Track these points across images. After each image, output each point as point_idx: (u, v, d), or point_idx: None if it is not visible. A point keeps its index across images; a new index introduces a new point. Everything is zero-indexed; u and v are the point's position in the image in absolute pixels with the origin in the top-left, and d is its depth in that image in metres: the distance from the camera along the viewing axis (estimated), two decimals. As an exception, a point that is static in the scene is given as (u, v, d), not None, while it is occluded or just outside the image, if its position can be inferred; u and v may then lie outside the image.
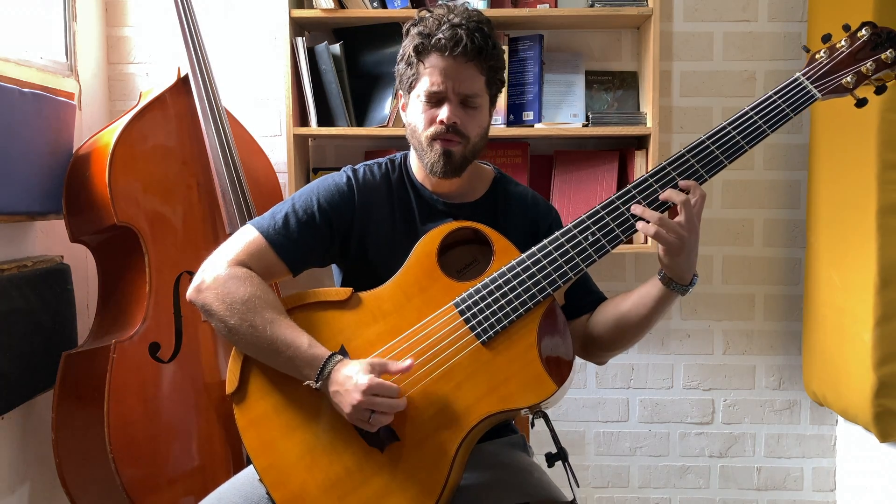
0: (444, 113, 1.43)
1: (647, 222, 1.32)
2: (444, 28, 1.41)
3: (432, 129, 1.44)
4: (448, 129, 1.43)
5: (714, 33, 2.48)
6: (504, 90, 2.32)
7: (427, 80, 1.43)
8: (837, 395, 2.24)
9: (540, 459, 1.60)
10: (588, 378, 2.56)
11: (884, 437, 2.08)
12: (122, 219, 1.93)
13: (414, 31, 1.45)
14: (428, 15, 1.45)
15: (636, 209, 1.34)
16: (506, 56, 2.32)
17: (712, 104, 2.49)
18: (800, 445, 2.55)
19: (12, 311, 1.89)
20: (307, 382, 1.34)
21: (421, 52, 1.43)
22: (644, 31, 2.37)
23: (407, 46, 1.46)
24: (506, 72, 1.53)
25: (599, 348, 1.52)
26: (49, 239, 2.16)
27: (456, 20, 1.42)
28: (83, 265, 2.33)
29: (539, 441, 1.77)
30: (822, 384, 2.32)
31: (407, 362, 1.33)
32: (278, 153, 2.44)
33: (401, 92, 1.52)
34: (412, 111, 1.48)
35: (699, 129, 2.49)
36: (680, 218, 1.32)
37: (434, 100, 1.44)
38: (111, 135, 1.97)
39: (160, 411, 1.95)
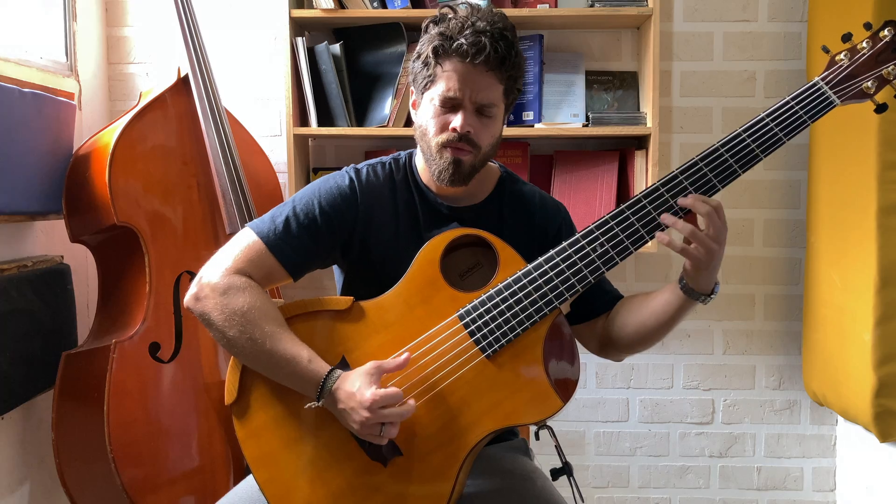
0: (458, 121, 1.37)
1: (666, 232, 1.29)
2: (467, 32, 1.35)
3: (444, 136, 1.39)
4: (460, 138, 1.38)
5: (714, 33, 2.48)
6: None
7: (444, 85, 1.37)
8: (837, 395, 2.24)
9: (541, 461, 1.61)
10: (588, 378, 2.56)
11: (884, 437, 2.08)
12: (122, 219, 1.93)
13: (434, 30, 1.38)
14: (450, 14, 1.39)
15: (667, 219, 1.29)
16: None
17: (712, 104, 2.49)
18: (800, 445, 2.55)
19: (12, 311, 1.89)
20: (309, 405, 1.30)
21: (440, 54, 1.37)
22: (644, 31, 2.37)
23: (425, 45, 1.39)
24: (523, 78, 1.48)
25: (618, 350, 1.49)
26: (49, 239, 2.16)
27: (480, 25, 1.35)
28: (83, 265, 2.33)
29: (541, 442, 1.76)
30: (822, 384, 2.32)
31: (403, 356, 1.31)
32: (278, 153, 2.44)
33: (412, 89, 1.46)
34: (424, 113, 1.42)
35: (699, 129, 2.49)
36: (708, 231, 1.27)
37: (449, 105, 1.38)
38: (111, 135, 1.97)
39: (160, 411, 1.95)
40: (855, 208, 2.10)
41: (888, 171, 2.01)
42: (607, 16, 2.31)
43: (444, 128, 1.39)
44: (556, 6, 2.37)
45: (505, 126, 2.29)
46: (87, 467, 1.92)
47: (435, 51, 1.37)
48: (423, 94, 1.43)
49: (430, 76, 1.39)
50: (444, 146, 1.39)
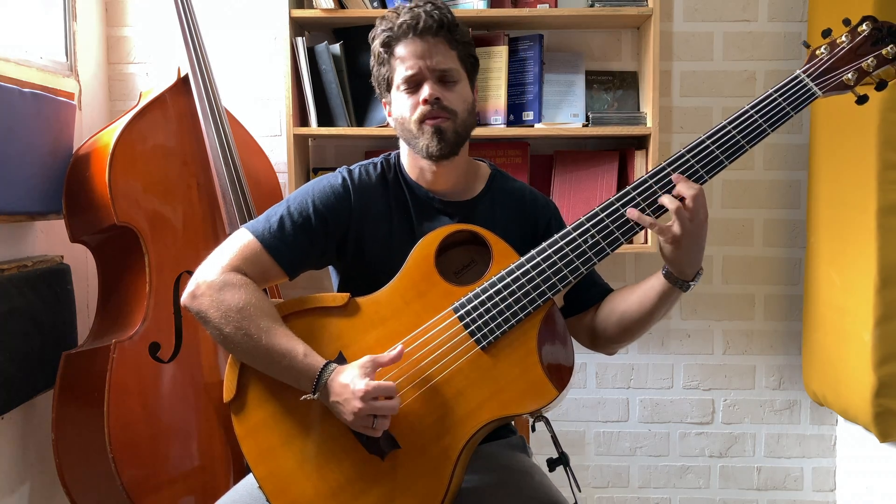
0: (425, 91, 1.43)
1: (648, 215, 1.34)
2: (403, 15, 1.44)
3: (419, 112, 1.43)
4: (433, 106, 1.43)
5: (714, 33, 2.48)
6: (504, 90, 2.33)
7: (402, 68, 1.44)
8: (837, 395, 2.24)
9: (539, 460, 1.61)
10: (588, 378, 2.56)
11: (884, 437, 2.08)
12: (123, 219, 1.93)
13: (378, 29, 1.48)
14: (387, 12, 1.48)
15: (631, 213, 1.34)
16: (505, 56, 2.33)
17: (712, 104, 2.49)
18: (800, 445, 2.55)
19: (12, 311, 1.89)
20: (304, 396, 1.32)
21: (389, 44, 1.45)
22: (644, 31, 2.37)
23: (376, 47, 1.48)
24: (474, 47, 1.54)
25: (607, 341, 1.52)
26: (49, 239, 2.16)
27: (412, 4, 1.45)
28: (83, 265, 2.33)
29: (539, 440, 1.77)
30: (822, 384, 2.32)
31: (397, 349, 1.32)
32: (278, 153, 2.45)
33: (383, 100, 1.53)
34: (396, 105, 1.48)
35: (699, 129, 2.49)
36: (675, 221, 1.31)
37: (413, 83, 1.44)
38: (111, 135, 1.97)
39: (160, 411, 1.95)
40: (855, 208, 2.10)
41: (888, 171, 2.01)
42: (607, 16, 2.31)
43: (416, 105, 1.44)
44: (556, 6, 2.37)
45: (504, 126, 2.34)
46: (87, 467, 1.92)
47: (384, 44, 1.46)
48: (389, 92, 1.50)
49: (388, 70, 1.47)
50: (422, 121, 1.44)
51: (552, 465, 1.48)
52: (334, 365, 1.33)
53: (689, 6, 2.47)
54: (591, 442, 2.57)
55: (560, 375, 1.35)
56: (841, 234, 2.19)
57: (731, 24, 2.47)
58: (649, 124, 2.32)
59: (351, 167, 1.53)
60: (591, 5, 2.34)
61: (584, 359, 2.55)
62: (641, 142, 2.38)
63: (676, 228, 1.31)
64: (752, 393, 2.55)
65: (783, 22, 2.46)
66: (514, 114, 2.38)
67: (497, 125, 2.33)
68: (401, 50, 1.44)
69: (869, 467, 2.32)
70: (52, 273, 2.06)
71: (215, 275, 1.38)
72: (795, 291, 2.52)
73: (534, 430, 1.62)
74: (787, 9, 2.46)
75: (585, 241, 1.36)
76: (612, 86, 2.45)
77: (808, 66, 1.37)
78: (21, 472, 2.04)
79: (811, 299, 2.36)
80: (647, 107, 2.34)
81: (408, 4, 1.46)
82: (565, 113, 2.40)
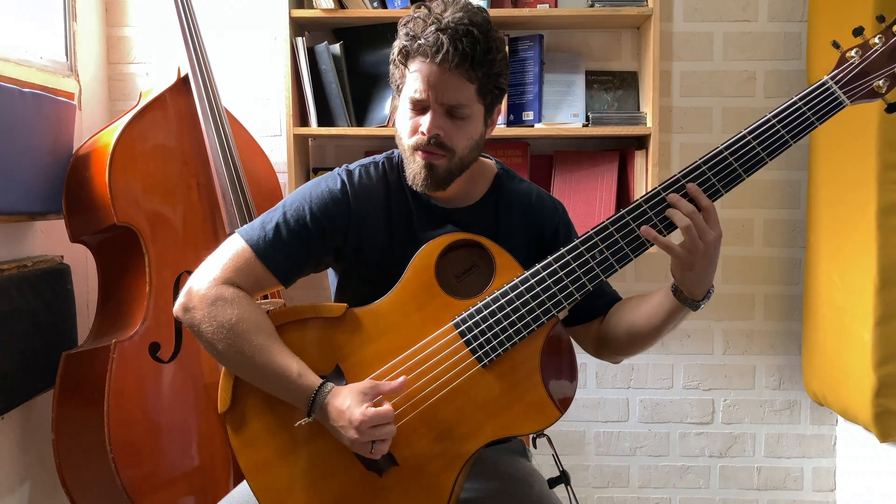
0: (425, 124, 1.32)
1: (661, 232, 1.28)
2: (428, 31, 1.29)
3: (414, 140, 1.34)
4: (430, 141, 1.32)
5: (714, 33, 2.48)
6: (504, 90, 2.33)
7: (411, 86, 1.33)
8: (837, 395, 2.24)
9: (539, 461, 1.60)
10: (588, 378, 2.56)
11: (884, 437, 2.08)
12: (122, 219, 1.93)
13: (402, 30, 1.35)
14: (418, 14, 1.34)
15: (648, 233, 1.27)
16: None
17: (712, 104, 2.49)
18: (800, 445, 2.55)
19: (12, 311, 1.89)
20: (299, 422, 1.28)
21: (406, 55, 1.33)
22: (644, 31, 2.37)
23: (395, 46, 1.36)
24: (505, 76, 1.40)
25: (612, 351, 1.47)
26: (49, 239, 2.16)
27: (444, 23, 1.30)
28: (83, 265, 2.33)
29: (537, 448, 1.76)
30: (822, 384, 2.31)
31: (399, 380, 1.28)
32: (278, 153, 2.44)
33: (395, 94, 1.43)
34: (400, 115, 1.38)
35: (699, 129, 2.49)
36: (686, 241, 1.26)
37: (418, 107, 1.34)
38: (111, 135, 1.97)
39: (160, 411, 1.95)
40: (855, 208, 2.10)
41: (888, 171, 2.01)
42: (607, 16, 2.31)
43: (414, 130, 1.34)
44: (556, 6, 2.37)
45: (504, 126, 2.34)
46: (87, 467, 1.92)
47: (401, 52, 1.34)
48: (399, 95, 1.39)
49: (401, 77, 1.36)
50: (415, 149, 1.35)
51: (553, 484, 1.46)
52: (330, 385, 1.29)
53: (689, 6, 2.47)
54: (591, 442, 2.57)
55: (563, 396, 1.32)
56: (841, 234, 2.19)
57: (731, 24, 2.47)
58: (649, 124, 2.31)
59: (351, 167, 1.46)
60: (591, 5, 2.34)
61: (585, 359, 2.54)
62: (641, 142, 2.38)
63: (690, 247, 1.26)
64: (752, 393, 2.55)
65: (783, 22, 2.46)
66: (514, 114, 2.38)
67: (497, 125, 2.32)
68: (415, 66, 1.32)
69: (869, 467, 2.32)
70: (52, 273, 2.06)
71: (207, 288, 1.33)
72: (795, 291, 2.52)
73: (535, 446, 1.60)
74: (787, 9, 2.46)
75: (594, 257, 1.30)
76: (612, 86, 2.45)
77: (836, 71, 1.26)
78: (21, 472, 2.04)
79: (811, 299, 2.36)
80: (647, 107, 2.34)
81: (438, 14, 1.31)
82: (565, 113, 2.40)
